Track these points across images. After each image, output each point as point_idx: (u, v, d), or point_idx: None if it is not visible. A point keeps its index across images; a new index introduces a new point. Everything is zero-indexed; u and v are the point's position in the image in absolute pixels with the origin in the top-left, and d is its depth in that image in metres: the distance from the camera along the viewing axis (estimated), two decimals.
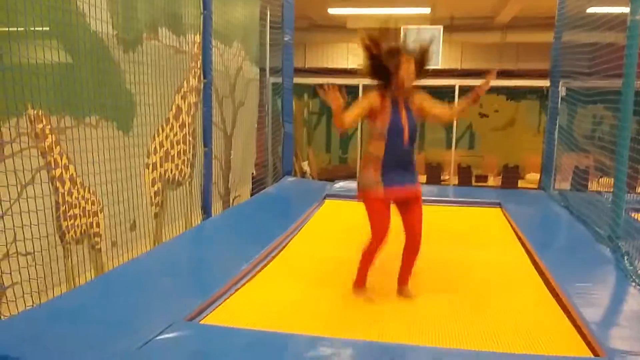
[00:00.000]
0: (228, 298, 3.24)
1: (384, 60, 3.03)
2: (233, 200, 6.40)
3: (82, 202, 3.53)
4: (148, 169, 4.30)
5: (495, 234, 4.99)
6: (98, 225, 3.71)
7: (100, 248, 3.75)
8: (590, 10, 5.74)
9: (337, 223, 5.20)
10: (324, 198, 6.23)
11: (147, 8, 4.17)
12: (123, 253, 3.91)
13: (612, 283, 3.51)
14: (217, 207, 5.68)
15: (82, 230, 3.55)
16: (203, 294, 3.10)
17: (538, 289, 3.54)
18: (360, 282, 3.35)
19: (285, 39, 7.01)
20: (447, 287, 3.52)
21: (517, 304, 3.28)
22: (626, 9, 4.08)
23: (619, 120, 4.16)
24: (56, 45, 3.17)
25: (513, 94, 10.89)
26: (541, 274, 3.79)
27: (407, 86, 3.03)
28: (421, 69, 3.08)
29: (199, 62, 5.01)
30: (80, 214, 3.52)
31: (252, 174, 7.49)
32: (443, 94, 9.47)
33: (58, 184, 3.29)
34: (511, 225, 5.19)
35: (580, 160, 6.99)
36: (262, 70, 7.60)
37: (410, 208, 3.23)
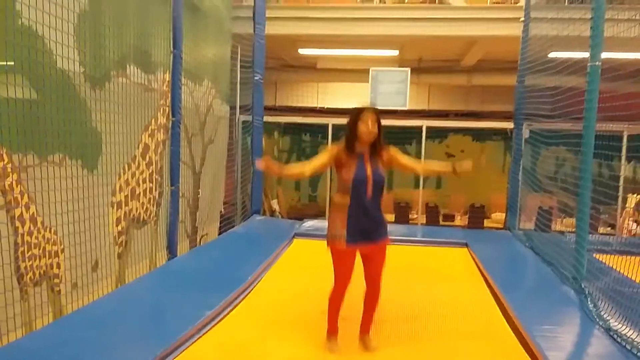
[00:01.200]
0: (191, 345, 3.15)
1: (350, 118, 3.18)
2: (200, 239, 6.30)
3: (43, 243, 3.42)
4: (113, 207, 4.22)
5: (462, 275, 5.01)
6: (59, 266, 3.59)
7: (60, 290, 3.62)
8: (552, 55, 5.96)
9: (306, 263, 5.16)
10: (293, 237, 6.19)
11: (116, 46, 4.16)
12: (84, 295, 3.78)
13: (576, 325, 3.54)
14: (183, 246, 5.58)
15: (42, 272, 3.43)
16: (165, 340, 3.00)
17: (504, 332, 3.54)
18: (331, 329, 3.31)
19: (256, 78, 7.07)
20: (412, 335, 3.50)
21: (483, 348, 3.27)
22: (586, 54, 4.25)
23: (580, 162, 4.28)
24: (20, 82, 3.12)
25: (479, 134, 11.15)
26: (507, 315, 3.80)
27: (366, 139, 3.12)
28: (380, 126, 3.18)
29: (168, 100, 5.00)
30: (40, 255, 3.40)
31: (221, 212, 7.42)
32: (411, 134, 9.64)
33: (18, 224, 3.19)
34: (477, 266, 5.23)
35: (544, 201, 7.14)
36: (233, 108, 7.63)
37: (373, 259, 3.23)
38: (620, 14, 5.01)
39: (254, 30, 6.95)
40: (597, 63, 4.17)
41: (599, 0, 4.15)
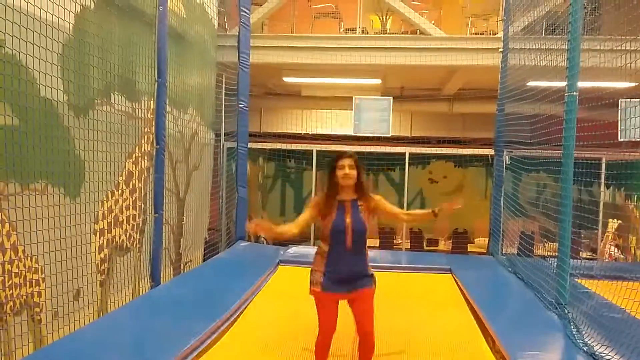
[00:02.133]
0: None
1: (328, 165, 3.25)
2: (184, 265, 6.26)
3: (24, 271, 3.38)
4: (95, 235, 4.19)
5: (446, 301, 5.03)
6: (40, 295, 3.55)
7: (41, 319, 3.57)
8: (531, 84, 6.10)
9: (291, 291, 5.13)
10: (278, 264, 6.16)
11: (100, 75, 4.19)
12: (65, 324, 3.73)
13: (560, 350, 3.56)
14: (167, 272, 5.54)
15: (23, 301, 3.39)
16: None
17: (489, 358, 3.55)
18: None
19: (240, 105, 7.12)
20: (400, 355, 3.50)
21: None
22: (564, 83, 4.36)
23: (561, 188, 4.36)
24: (3, 110, 3.12)
25: (460, 161, 11.29)
26: (490, 341, 3.82)
27: (345, 184, 3.14)
28: (360, 171, 3.19)
29: (153, 128, 5.01)
30: (21, 284, 3.36)
31: (205, 238, 7.38)
32: (395, 160, 9.73)
33: None
34: (461, 291, 5.25)
35: (526, 226, 7.22)
36: (218, 135, 7.66)
37: (357, 308, 3.17)
38: (597, 44, 5.16)
39: (239, 59, 7.03)
40: (574, 93, 4.28)
41: (575, 32, 4.28)
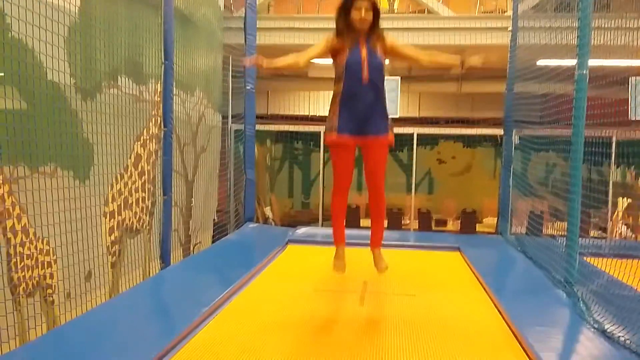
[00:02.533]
0: (187, 342, 3.16)
1: (342, 5, 3.08)
2: (194, 247, 6.31)
3: (35, 254, 3.42)
4: (105, 217, 4.22)
5: (455, 278, 5.04)
6: (52, 276, 3.60)
7: (54, 300, 3.62)
8: (540, 62, 6.03)
9: (299, 268, 5.17)
10: (286, 243, 6.20)
11: (107, 58, 4.19)
12: (77, 305, 3.78)
13: (569, 327, 3.57)
14: (177, 254, 5.59)
15: (35, 283, 3.44)
16: (159, 346, 3.01)
17: (498, 333, 3.57)
18: (337, 239, 3.35)
19: (248, 87, 7.10)
20: (412, 337, 3.52)
21: (478, 348, 3.29)
22: (574, 62, 4.31)
23: (570, 168, 4.33)
24: (10, 94, 3.14)
25: (469, 141, 11.24)
26: (500, 318, 3.83)
27: (359, 27, 3.01)
28: (377, 13, 3.05)
29: (160, 110, 5.02)
30: (33, 266, 3.41)
31: (214, 220, 7.43)
32: (403, 141, 9.69)
33: (10, 235, 3.20)
34: (470, 269, 5.26)
35: (535, 205, 7.20)
36: (225, 117, 7.66)
37: (370, 155, 3.12)
38: (607, 22, 5.09)
39: (245, 41, 6.99)
40: (584, 72, 4.23)
41: (585, 10, 4.22)
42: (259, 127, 7.89)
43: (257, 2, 7.23)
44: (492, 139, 9.84)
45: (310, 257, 5.35)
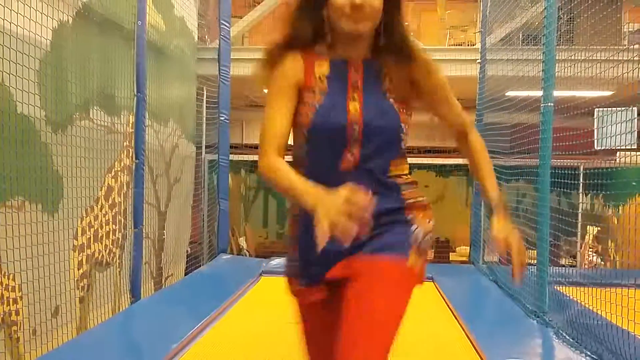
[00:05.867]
0: None
1: None
2: (165, 280, 6.21)
3: (1, 290, 3.33)
4: (75, 251, 4.15)
5: (428, 309, 5.05)
6: (17, 313, 3.50)
7: (19, 338, 3.52)
8: (509, 93, 6.19)
9: (273, 300, 5.12)
10: (260, 275, 6.15)
11: (79, 90, 4.17)
12: (44, 343, 3.68)
13: (539, 357, 3.60)
14: (148, 287, 5.49)
15: (0, 320, 3.34)
16: None
17: None
18: None
19: (222, 118, 7.12)
20: None
21: None
22: (540, 93, 4.44)
23: (538, 197, 4.42)
24: None
25: (441, 170, 11.39)
26: (473, 349, 3.84)
27: (350, 29, 1.45)
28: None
29: (133, 142, 4.99)
30: None
31: (187, 251, 7.34)
32: None
33: None
34: (443, 300, 5.28)
35: None
36: (199, 147, 7.64)
37: (358, 297, 1.45)
38: (573, 55, 5.26)
39: (219, 72, 7.04)
40: (549, 104, 4.36)
41: (550, 44, 4.36)
42: (233, 157, 7.88)
43: (231, 34, 7.30)
44: (464, 168, 9.97)
45: (284, 289, 5.32)
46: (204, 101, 7.60)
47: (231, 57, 7.29)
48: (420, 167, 11.58)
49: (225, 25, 7.04)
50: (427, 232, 1.60)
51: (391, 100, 1.54)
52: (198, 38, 7.67)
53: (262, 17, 8.38)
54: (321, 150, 1.51)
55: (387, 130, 1.52)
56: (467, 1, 8.26)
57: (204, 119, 7.66)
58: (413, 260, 1.53)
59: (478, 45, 7.31)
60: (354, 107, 1.51)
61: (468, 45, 8.37)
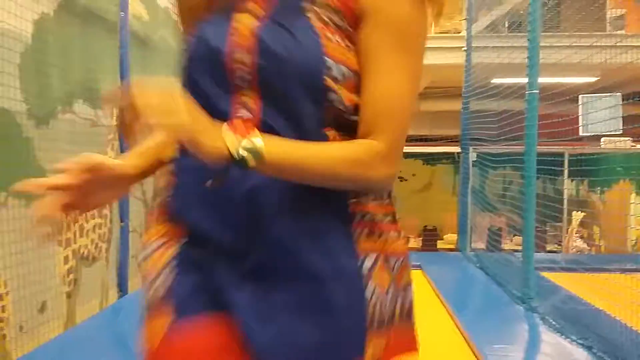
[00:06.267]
0: None
1: None
2: None
3: None
4: (61, 246, 4.11)
5: (416, 297, 5.08)
6: (3, 310, 3.47)
7: (5, 335, 3.49)
8: (495, 81, 6.22)
9: None
10: None
11: (62, 83, 4.11)
12: (31, 339, 3.65)
13: (526, 343, 3.64)
14: (136, 282, 5.47)
15: None
16: None
17: (457, 351, 3.62)
18: None
19: None
20: None
21: None
22: (526, 80, 4.45)
23: (524, 184, 4.45)
24: None
25: (429, 158, 11.42)
26: (460, 335, 3.88)
27: None
28: None
29: (117, 134, 4.94)
30: None
31: None
32: None
33: None
34: (431, 287, 5.32)
35: (494, 221, 7.35)
36: None
37: None
38: (558, 41, 5.28)
39: None
40: (534, 91, 4.38)
41: (534, 31, 4.37)
42: None
43: None
44: (451, 156, 10.01)
45: None
46: None
47: None
48: (408, 155, 11.62)
49: None
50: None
51: (311, 17, 0.85)
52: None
53: None
54: (200, 99, 0.83)
55: (298, 67, 0.82)
56: None
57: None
58: None
59: (464, 33, 7.31)
60: (245, 25, 0.86)
61: (454, 33, 8.37)
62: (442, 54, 7.50)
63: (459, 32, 8.00)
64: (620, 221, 6.56)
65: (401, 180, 11.58)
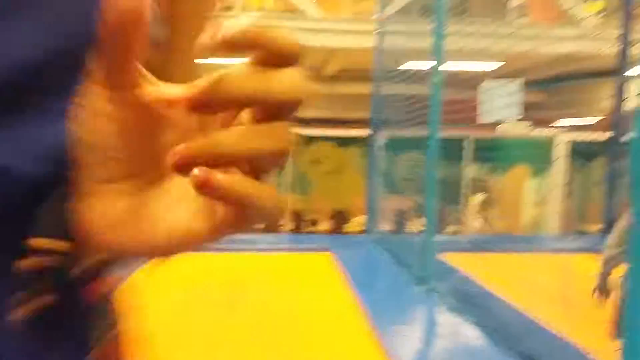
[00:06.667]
0: None
1: None
2: None
3: None
4: None
5: (324, 279, 5.09)
6: None
7: None
8: (406, 65, 6.28)
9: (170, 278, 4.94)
10: None
11: None
12: None
13: (423, 323, 3.72)
14: None
15: None
16: None
17: (359, 332, 3.64)
18: None
19: None
20: (276, 340, 3.47)
21: (338, 348, 3.32)
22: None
23: (426, 166, 4.53)
24: None
25: (342, 141, 11.49)
26: (363, 317, 3.91)
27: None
28: None
29: None
30: None
31: None
32: None
33: None
34: (338, 270, 5.34)
35: (402, 203, 7.51)
36: None
37: None
38: (463, 28, 5.38)
39: None
40: (438, 76, 4.44)
41: (440, 17, 4.42)
42: None
43: None
44: (363, 139, 10.14)
45: (179, 267, 5.13)
46: None
47: None
48: (320, 138, 11.64)
49: None
50: None
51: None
52: None
53: None
54: None
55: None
56: None
57: None
58: None
59: (376, 16, 7.33)
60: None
61: (366, 15, 8.39)
62: (354, 37, 7.50)
63: (371, 15, 8.02)
64: (515, 204, 6.90)
65: (312, 163, 11.61)
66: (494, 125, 6.94)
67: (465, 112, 5.01)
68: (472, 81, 4.99)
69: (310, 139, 11.54)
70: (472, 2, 6.92)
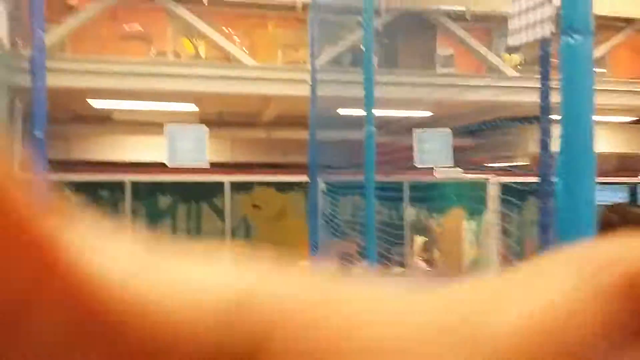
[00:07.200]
0: None
1: None
2: None
3: None
4: None
5: None
6: None
7: None
8: (340, 112, 6.42)
9: None
10: None
11: None
12: None
13: None
14: None
15: None
16: None
17: None
18: None
19: (36, 134, 6.44)
20: None
21: None
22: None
23: (365, 209, 4.60)
24: None
25: (282, 186, 11.50)
26: None
27: None
28: None
29: None
30: None
31: None
32: (214, 188, 9.55)
33: None
34: None
35: (345, 247, 7.54)
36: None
37: None
38: (394, 77, 5.57)
39: (33, 83, 6.38)
40: (371, 126, 4.55)
41: (368, 68, 4.57)
42: (56, 176, 7.19)
43: (46, 40, 6.68)
44: (303, 183, 10.20)
45: None
46: (21, 115, 6.85)
47: (49, 67, 6.66)
48: (261, 183, 11.60)
49: (39, 32, 6.41)
50: None
51: None
52: (10, 44, 6.91)
53: (84, 23, 7.79)
54: None
55: None
56: (299, 20, 8.47)
57: (21, 135, 6.90)
58: None
59: (309, 66, 7.49)
60: None
61: (302, 64, 8.57)
62: (289, 85, 7.62)
63: (306, 63, 8.20)
64: (455, 245, 7.05)
65: (254, 208, 11.54)
66: (428, 170, 7.15)
67: (401, 157, 5.14)
68: (406, 126, 5.16)
69: (250, 185, 11.50)
70: (401, 54, 7.22)
